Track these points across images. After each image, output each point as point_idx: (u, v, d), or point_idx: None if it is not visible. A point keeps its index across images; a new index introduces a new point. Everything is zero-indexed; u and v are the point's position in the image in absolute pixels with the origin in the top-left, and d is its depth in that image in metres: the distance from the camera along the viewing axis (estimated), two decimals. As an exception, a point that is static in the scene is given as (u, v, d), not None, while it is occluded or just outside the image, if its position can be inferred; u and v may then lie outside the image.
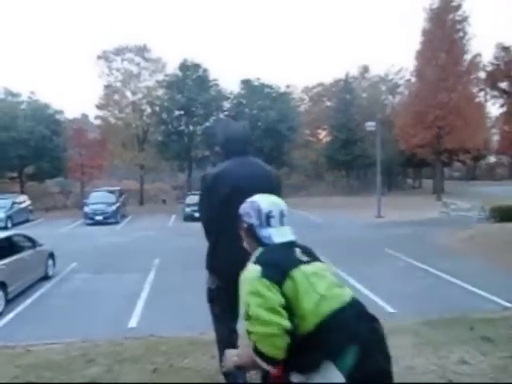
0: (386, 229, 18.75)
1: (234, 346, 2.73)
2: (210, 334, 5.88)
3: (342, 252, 13.66)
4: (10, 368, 3.69)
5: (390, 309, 8.16)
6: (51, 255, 11.35)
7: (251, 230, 1.90)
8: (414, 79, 33.66)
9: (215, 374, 3.19)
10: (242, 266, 1.84)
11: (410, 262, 12.10)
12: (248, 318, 1.69)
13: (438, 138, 29.12)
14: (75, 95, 61.79)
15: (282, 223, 1.97)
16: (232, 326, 2.93)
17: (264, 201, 1.96)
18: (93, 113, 39.76)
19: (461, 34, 29.60)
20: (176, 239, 16.90)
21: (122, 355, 3.82)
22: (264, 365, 1.68)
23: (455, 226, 17.88)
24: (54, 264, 11.47)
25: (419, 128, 28.79)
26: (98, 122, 34.00)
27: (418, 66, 30.75)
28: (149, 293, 9.54)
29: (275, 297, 1.66)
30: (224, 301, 2.87)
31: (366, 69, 45.11)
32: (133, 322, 7.69)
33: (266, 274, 1.70)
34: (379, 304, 8.43)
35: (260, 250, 1.85)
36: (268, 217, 1.92)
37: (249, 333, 1.69)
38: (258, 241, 1.89)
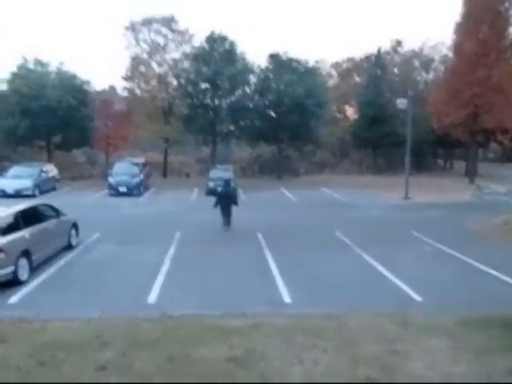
0: (413, 211, 18.19)
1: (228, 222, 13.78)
2: (229, 320, 5.79)
3: (367, 234, 13.33)
4: (25, 345, 3.60)
5: (416, 297, 7.83)
6: (74, 225, 11.44)
7: None
8: (451, 54, 31.96)
9: (233, 367, 2.96)
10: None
11: (439, 247, 11.65)
12: None
13: (475, 116, 27.73)
14: (105, 67, 61.65)
15: None
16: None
17: None
18: (121, 85, 39.68)
19: (506, 4, 27.65)
20: (197, 213, 16.83)
21: (137, 340, 3.67)
22: None
23: (489, 210, 17.15)
24: (77, 234, 11.57)
25: (454, 106, 27.43)
26: (125, 94, 33.96)
27: (457, 40, 29.03)
28: (169, 266, 9.51)
29: None
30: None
31: (399, 43, 43.26)
32: (152, 298, 7.64)
33: None
34: (405, 291, 8.12)
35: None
36: None
37: None
38: None
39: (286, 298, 7.71)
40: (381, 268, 9.58)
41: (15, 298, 7.60)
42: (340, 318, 6.50)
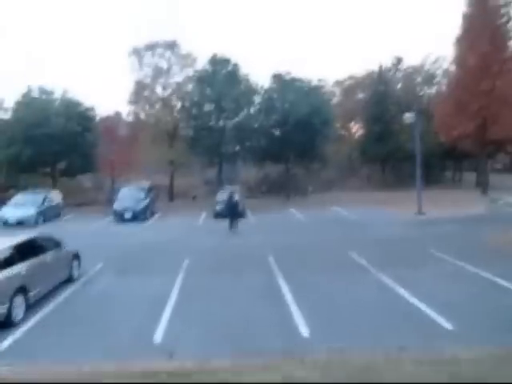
0: (429, 227, 17.47)
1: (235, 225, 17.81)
2: (244, 363, 5.11)
3: (384, 254, 12.65)
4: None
5: (446, 324, 7.08)
6: (76, 256, 10.89)
7: None
8: (453, 67, 31.60)
9: None
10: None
11: (462, 265, 10.87)
12: None
13: (483, 128, 27.14)
14: (110, 93, 62.28)
15: None
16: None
17: None
18: (126, 110, 39.80)
19: (505, 18, 27.40)
20: (206, 238, 16.36)
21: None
22: None
23: (507, 223, 16.35)
24: (79, 265, 11.00)
25: (461, 118, 26.87)
26: (129, 118, 34.16)
27: (459, 54, 28.72)
28: (176, 299, 8.84)
29: None
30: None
31: (399, 60, 43.09)
32: (158, 336, 6.96)
33: None
34: (432, 318, 7.37)
35: None
36: None
37: None
38: None
39: (304, 331, 7.01)
40: (402, 291, 8.83)
41: (6, 342, 6.92)
42: (367, 356, 5.76)
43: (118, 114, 39.72)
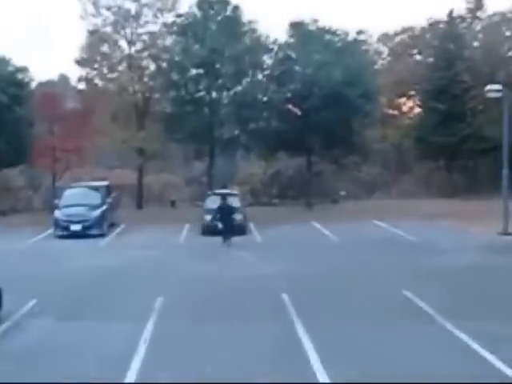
0: (521, 254, 17.57)
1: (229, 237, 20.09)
2: None
3: (456, 296, 12.52)
4: None
5: None
6: (-4, 291, 10.67)
7: None
8: None
9: None
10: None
11: None
12: None
13: None
14: (51, 49, 62.41)
15: None
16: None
17: None
18: (75, 74, 39.83)
19: None
20: (190, 265, 16.41)
21: None
22: None
23: None
24: (0, 304, 10.74)
25: None
26: (81, 86, 34.44)
27: None
28: (143, 361, 8.49)
29: None
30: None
31: (479, 4, 42.93)
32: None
33: None
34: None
35: None
36: None
37: None
38: None
39: None
40: (489, 356, 8.36)
41: None
42: None
43: (63, 79, 39.81)
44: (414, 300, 11.84)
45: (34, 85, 31.99)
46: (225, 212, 20.05)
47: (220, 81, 30.39)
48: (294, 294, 12.36)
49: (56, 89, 33.91)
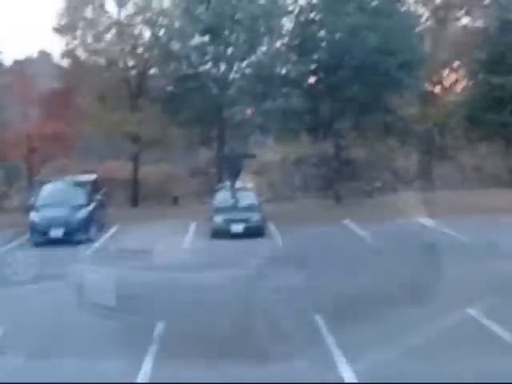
0: None
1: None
2: None
3: None
4: None
5: None
6: None
7: None
8: None
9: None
10: None
11: None
12: None
13: None
14: (29, 20, 62.85)
15: None
16: None
17: None
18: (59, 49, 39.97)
19: None
20: (197, 278, 15.94)
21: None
22: None
23: None
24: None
25: None
26: (65, 63, 34.39)
27: None
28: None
29: None
30: None
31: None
32: None
33: None
34: None
35: None
36: None
37: None
38: None
39: None
40: None
41: None
42: None
43: (44, 56, 39.82)
44: (485, 323, 11.07)
45: (7, 63, 32.23)
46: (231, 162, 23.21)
47: (229, 50, 30.67)
48: (330, 315, 11.84)
49: (35, 67, 33.75)
